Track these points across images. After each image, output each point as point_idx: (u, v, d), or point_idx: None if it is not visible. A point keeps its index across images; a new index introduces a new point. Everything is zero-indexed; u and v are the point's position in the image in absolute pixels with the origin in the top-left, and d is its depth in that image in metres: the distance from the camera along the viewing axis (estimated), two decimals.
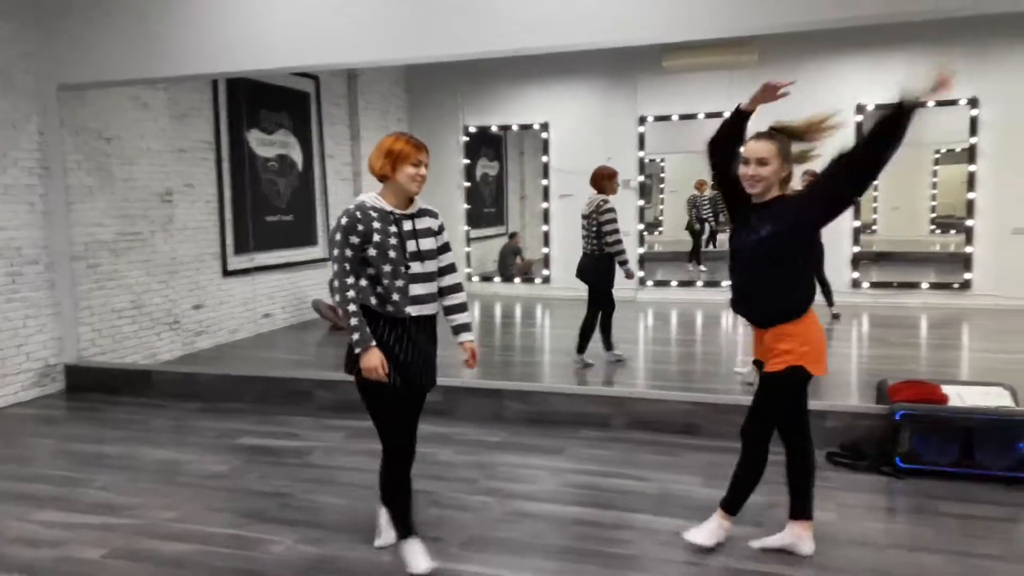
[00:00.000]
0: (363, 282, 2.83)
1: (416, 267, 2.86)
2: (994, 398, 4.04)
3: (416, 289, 2.87)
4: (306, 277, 8.33)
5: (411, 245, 2.86)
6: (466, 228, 10.22)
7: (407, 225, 2.88)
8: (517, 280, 10.27)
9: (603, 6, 4.77)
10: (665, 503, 3.66)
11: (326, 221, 8.67)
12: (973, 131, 8.35)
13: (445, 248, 3.03)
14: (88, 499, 3.89)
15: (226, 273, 7.25)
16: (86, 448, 4.70)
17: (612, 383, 5.63)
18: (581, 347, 5.98)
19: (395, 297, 2.83)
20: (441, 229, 3.03)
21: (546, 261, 9.97)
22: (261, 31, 5.34)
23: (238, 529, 3.50)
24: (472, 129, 10.09)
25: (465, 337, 3.10)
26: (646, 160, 9.56)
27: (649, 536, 3.31)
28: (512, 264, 10.63)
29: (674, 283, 9.63)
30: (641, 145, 9.44)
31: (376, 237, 2.80)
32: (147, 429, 5.05)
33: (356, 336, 2.80)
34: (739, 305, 3.05)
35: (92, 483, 4.10)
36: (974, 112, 8.30)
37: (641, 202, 9.58)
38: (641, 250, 9.49)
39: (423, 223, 2.94)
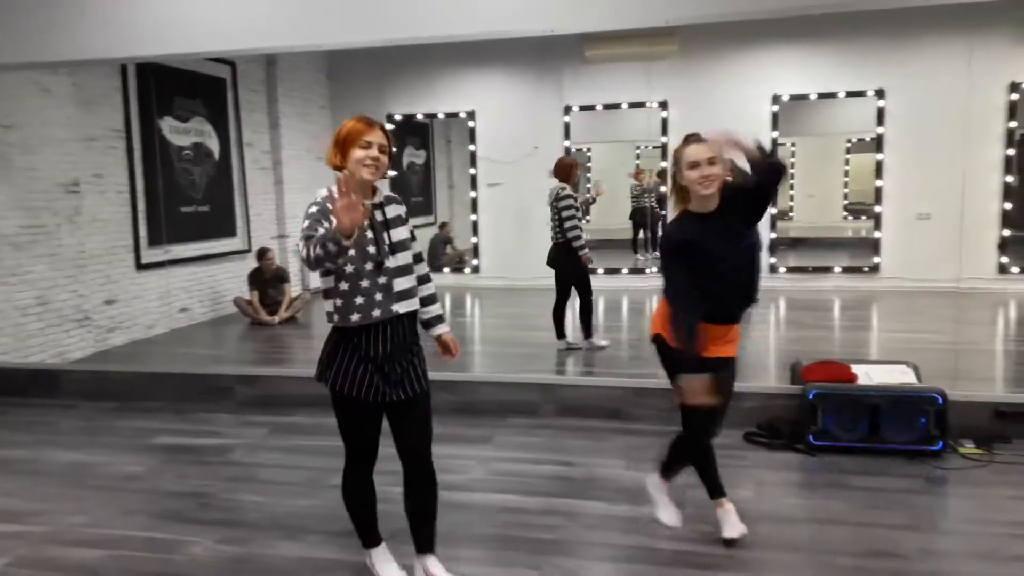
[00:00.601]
0: (339, 301, 2.56)
1: (395, 260, 2.62)
2: (899, 376, 4.23)
3: (400, 284, 2.63)
4: (225, 269, 8.09)
5: (386, 237, 2.61)
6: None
7: (378, 215, 2.62)
8: (447, 270, 10.22)
9: None
10: (591, 487, 3.71)
11: (245, 212, 8.43)
12: (880, 121, 8.71)
13: (412, 237, 2.78)
14: None
15: (140, 266, 6.97)
16: None
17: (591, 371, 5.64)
18: (559, 333, 6.13)
19: (379, 297, 2.57)
20: (407, 217, 2.77)
21: (476, 251, 9.94)
22: (173, 14, 5.12)
23: (154, 532, 3.38)
24: (397, 117, 9.97)
25: (441, 329, 2.89)
26: (572, 149, 9.63)
27: (575, 520, 3.35)
28: (443, 254, 10.57)
29: (600, 271, 9.74)
30: (567, 134, 9.50)
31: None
32: (55, 431, 4.83)
33: (315, 245, 2.38)
34: (733, 309, 3.05)
35: None
36: (881, 103, 8.65)
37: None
38: None
39: (392, 211, 2.68)
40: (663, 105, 9.18)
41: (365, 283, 2.57)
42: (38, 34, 5.23)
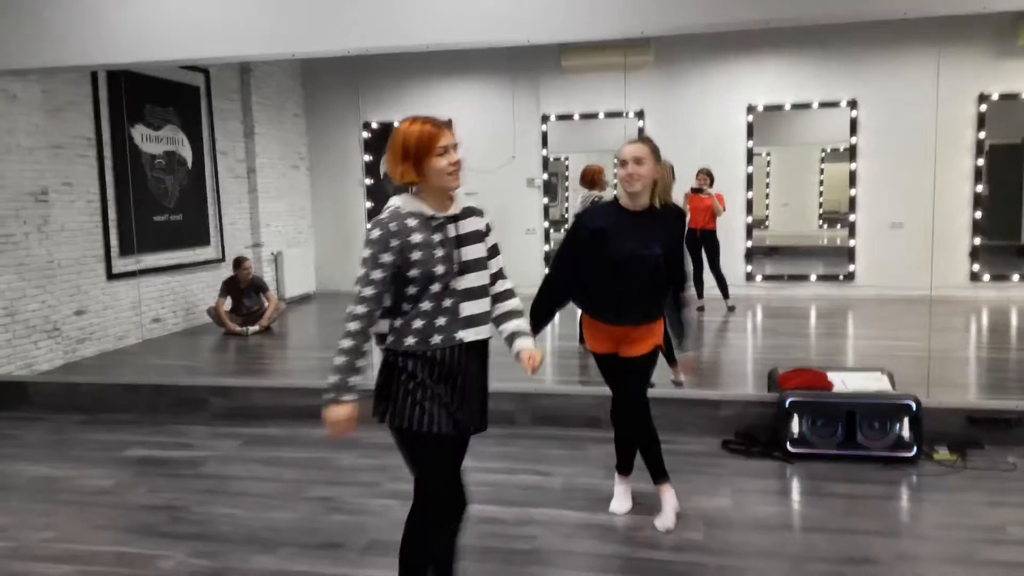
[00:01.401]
0: (397, 322, 2.27)
1: (465, 282, 2.30)
2: (874, 383, 4.26)
3: (468, 308, 2.30)
4: (198, 279, 7.99)
5: (457, 255, 2.30)
6: (369, 227, 10.03)
7: (451, 231, 2.31)
8: None
9: (503, 5, 4.77)
10: (569, 496, 3.69)
11: (219, 221, 8.34)
12: (854, 131, 8.82)
13: (494, 251, 2.44)
14: None
15: (111, 276, 6.85)
16: None
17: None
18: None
19: (441, 322, 2.26)
20: (489, 229, 2.43)
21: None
22: (145, 21, 5.07)
23: (124, 547, 3.31)
24: (374, 125, 9.93)
25: (522, 344, 2.42)
26: (550, 158, 9.65)
27: (552, 529, 3.33)
28: None
29: None
30: (544, 143, 9.52)
31: (417, 254, 2.23)
32: (22, 444, 4.72)
33: (334, 379, 2.26)
34: (619, 313, 3.19)
35: None
36: (854, 113, 8.77)
37: (546, 200, 9.66)
38: (547, 247, 9.57)
39: (468, 226, 2.35)
40: (639, 115, 9.23)
41: (426, 305, 2.26)
42: (6, 41, 5.14)
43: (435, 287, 2.26)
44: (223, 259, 8.26)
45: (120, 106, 6.91)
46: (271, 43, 5.23)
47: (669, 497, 3.33)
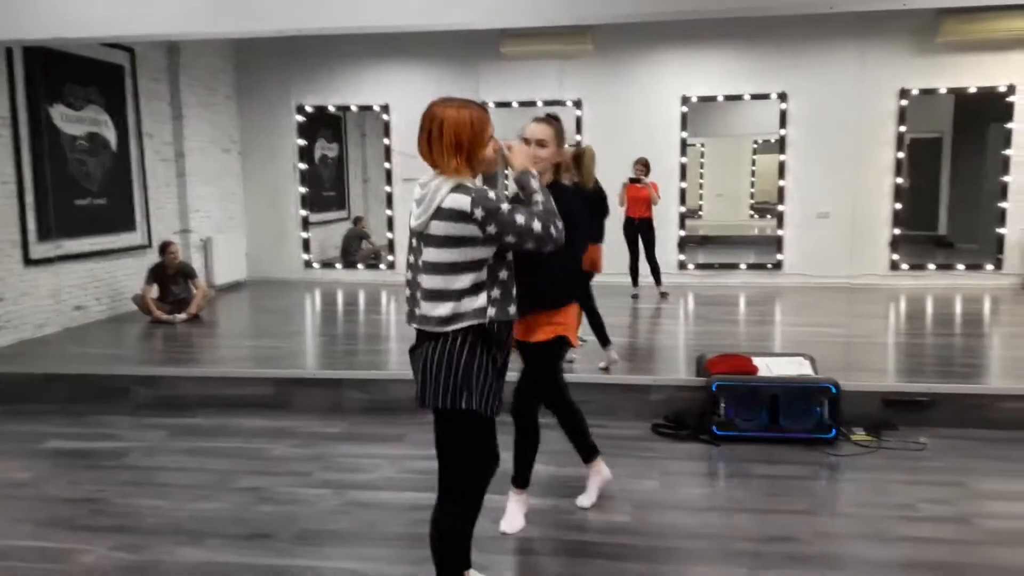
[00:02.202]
0: (496, 291, 2.27)
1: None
2: (796, 367, 4.42)
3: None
4: (124, 266, 7.72)
5: None
6: (304, 212, 9.87)
7: None
8: (360, 266, 10.06)
9: None
10: (504, 482, 3.68)
11: (145, 205, 8.06)
12: (783, 123, 9.06)
13: None
14: None
15: (28, 262, 6.56)
16: None
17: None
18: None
19: (514, 293, 2.35)
20: None
21: (391, 246, 9.81)
22: None
23: (41, 541, 3.21)
24: (308, 108, 9.73)
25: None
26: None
27: (485, 515, 3.29)
28: (358, 250, 10.38)
29: None
30: None
31: None
32: None
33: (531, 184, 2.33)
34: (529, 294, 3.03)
35: None
36: (783, 105, 9.00)
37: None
38: None
39: None
40: (577, 104, 9.28)
41: (504, 275, 2.32)
42: None
43: (510, 257, 2.33)
44: (149, 245, 8.00)
45: (38, 84, 6.60)
46: (199, 21, 5.08)
47: (596, 476, 3.39)
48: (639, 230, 8.16)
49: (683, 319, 7.53)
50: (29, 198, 6.57)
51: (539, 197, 2.28)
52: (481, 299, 2.26)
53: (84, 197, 7.23)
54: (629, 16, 4.99)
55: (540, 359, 3.13)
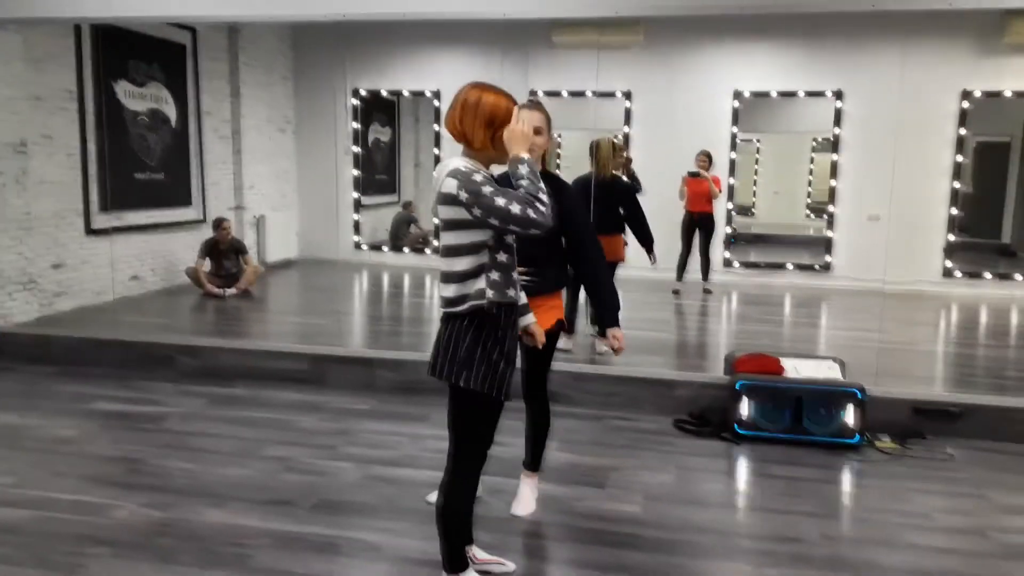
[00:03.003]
0: (495, 274, 2.36)
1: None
2: (825, 370, 4.37)
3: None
4: (179, 239, 8.01)
5: None
6: (356, 195, 10.07)
7: None
8: (407, 250, 10.22)
9: None
10: (518, 466, 3.78)
11: (201, 181, 8.35)
12: (838, 122, 8.87)
13: None
14: None
15: (90, 231, 6.88)
16: None
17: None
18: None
19: (513, 276, 2.43)
20: None
21: (437, 232, 9.93)
22: None
23: (81, 494, 3.40)
24: (363, 92, 9.91)
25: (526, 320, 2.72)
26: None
27: (499, 497, 3.42)
28: (406, 234, 10.55)
29: None
30: None
31: None
32: None
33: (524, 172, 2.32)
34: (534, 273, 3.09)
35: None
36: (839, 104, 8.81)
37: None
38: None
39: None
40: (627, 95, 9.24)
41: (503, 257, 2.40)
42: None
43: (510, 239, 2.41)
44: (204, 220, 8.28)
45: (105, 60, 6.89)
46: (256, 5, 5.23)
47: (534, 487, 3.37)
48: (699, 224, 8.10)
49: (723, 317, 7.48)
50: (92, 170, 6.88)
51: (524, 182, 2.30)
52: (481, 281, 2.35)
53: (144, 171, 7.53)
54: (677, 9, 4.97)
55: (548, 343, 3.15)
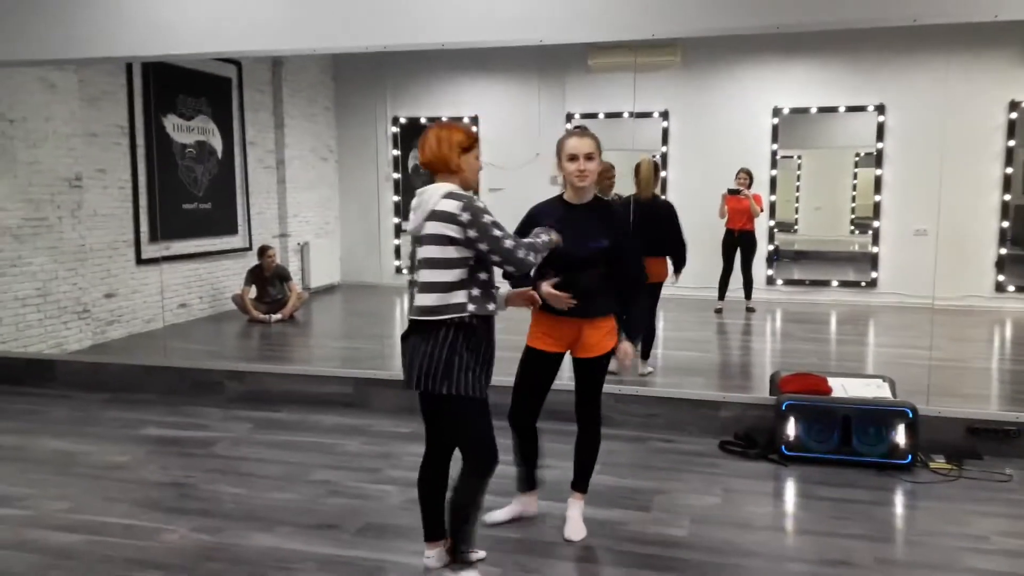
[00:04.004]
0: (476, 290, 2.63)
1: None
2: (874, 390, 4.27)
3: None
4: (225, 267, 8.20)
5: None
6: (396, 220, 10.21)
7: None
8: None
9: (529, 4, 4.84)
10: (561, 489, 3.75)
11: (247, 210, 8.55)
12: (880, 136, 8.74)
13: None
14: None
15: (140, 261, 7.09)
16: None
17: None
18: None
19: (491, 291, 2.72)
20: None
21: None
22: (178, 15, 5.23)
23: (132, 519, 3.47)
24: (402, 120, 10.07)
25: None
26: None
27: (542, 521, 3.41)
28: None
29: None
30: None
31: None
32: (46, 420, 4.93)
33: (545, 239, 2.85)
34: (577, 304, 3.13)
35: None
36: (881, 118, 8.68)
37: None
38: None
39: None
40: (664, 115, 9.23)
41: (483, 275, 2.68)
42: (44, 32, 5.36)
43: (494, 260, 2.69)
44: (250, 248, 8.46)
45: (153, 96, 7.13)
46: (297, 38, 5.36)
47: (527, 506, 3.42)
48: (739, 243, 8.03)
49: (767, 335, 7.38)
50: (143, 202, 7.10)
51: (538, 240, 2.77)
52: (461, 295, 2.61)
53: (191, 201, 7.74)
54: (714, 30, 4.97)
55: (602, 373, 3.22)
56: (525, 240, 2.73)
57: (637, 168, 5.64)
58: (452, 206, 2.56)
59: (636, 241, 3.26)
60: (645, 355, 5.56)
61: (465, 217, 2.55)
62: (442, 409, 2.71)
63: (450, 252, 2.59)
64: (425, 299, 2.62)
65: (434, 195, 2.61)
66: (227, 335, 7.26)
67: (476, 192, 2.76)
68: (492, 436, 2.73)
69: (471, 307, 2.60)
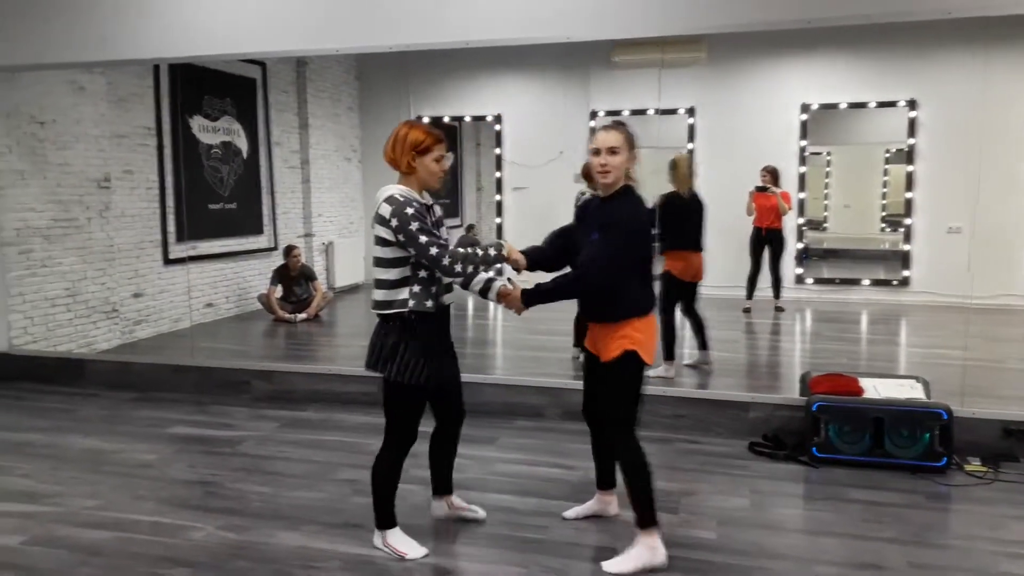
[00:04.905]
0: (416, 287, 2.85)
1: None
2: (907, 390, 4.18)
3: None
4: (251, 267, 8.26)
5: (440, 233, 2.96)
6: (396, 204, 10.19)
7: (435, 214, 2.99)
8: None
9: (556, 2, 4.81)
10: (585, 490, 3.72)
11: (272, 210, 8.60)
12: (912, 132, 8.58)
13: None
14: (9, 487, 3.85)
15: (167, 261, 7.16)
16: (10, 437, 4.63)
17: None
18: (577, 341, 5.75)
19: (436, 289, 2.89)
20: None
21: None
22: (204, 17, 5.27)
23: (160, 516, 3.49)
24: (425, 119, 10.07)
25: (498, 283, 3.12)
26: None
27: (564, 522, 3.38)
28: None
29: None
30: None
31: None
32: (77, 418, 4.99)
33: (486, 277, 3.04)
34: (583, 304, 3.08)
35: (14, 471, 4.06)
36: (912, 114, 8.52)
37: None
38: None
39: (439, 211, 3.05)
40: (690, 111, 9.15)
41: (424, 273, 2.87)
42: (72, 36, 5.42)
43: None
44: (275, 247, 8.52)
45: (181, 98, 7.20)
46: (324, 38, 5.38)
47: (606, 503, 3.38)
48: (767, 241, 7.93)
49: (797, 335, 7.28)
50: (170, 202, 7.17)
51: (471, 253, 2.86)
52: (404, 292, 2.85)
53: (217, 202, 7.81)
54: (741, 25, 4.90)
55: (616, 379, 2.96)
56: (460, 251, 2.83)
57: (675, 164, 5.59)
58: (385, 211, 2.79)
59: (607, 248, 2.90)
60: (703, 346, 5.60)
61: (394, 223, 2.77)
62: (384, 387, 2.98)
63: (388, 252, 2.83)
64: (375, 294, 2.90)
65: (379, 198, 2.86)
66: (253, 334, 7.31)
67: (431, 191, 2.97)
68: (415, 421, 3.03)
69: (411, 303, 2.84)
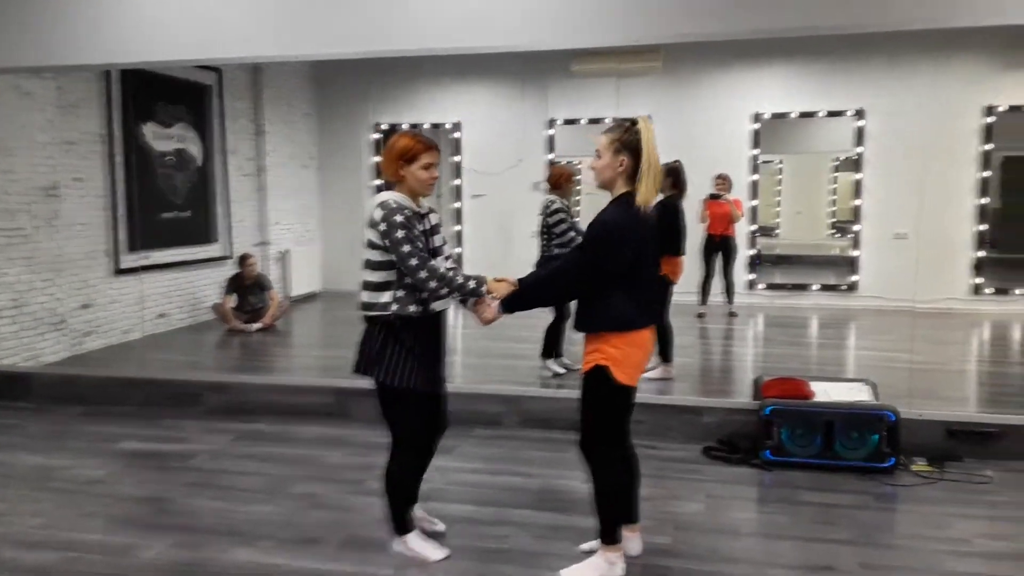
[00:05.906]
0: (400, 292, 2.88)
1: (436, 263, 2.93)
2: (855, 393, 4.29)
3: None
4: (205, 276, 8.12)
5: (434, 241, 3.00)
6: (387, 212, 10.12)
7: (429, 222, 3.02)
8: None
9: (512, 10, 4.81)
10: (545, 498, 3.75)
11: (227, 218, 8.47)
12: (859, 141, 8.81)
13: (444, 241, 3.12)
14: None
15: (118, 271, 6.99)
16: None
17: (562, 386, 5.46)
18: (546, 352, 5.69)
19: (424, 295, 2.91)
20: (440, 224, 3.13)
21: (459, 261, 9.99)
22: (158, 21, 5.15)
23: (109, 535, 3.41)
24: (384, 126, 10.03)
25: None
26: (557, 162, 9.69)
27: (526, 530, 3.39)
28: None
29: None
30: (551, 148, 9.58)
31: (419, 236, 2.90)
32: (22, 435, 4.85)
33: (471, 286, 2.91)
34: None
35: None
36: (860, 123, 8.76)
37: None
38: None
39: (435, 219, 3.07)
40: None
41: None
42: (20, 38, 5.27)
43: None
44: (230, 256, 8.38)
45: (132, 104, 7.05)
46: (281, 45, 5.31)
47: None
48: (720, 248, 8.06)
49: (749, 340, 7.40)
50: (121, 210, 7.01)
51: (451, 269, 2.95)
52: (386, 295, 2.89)
53: (170, 210, 7.66)
54: (694, 35, 4.97)
55: (585, 393, 2.91)
56: (440, 268, 2.86)
57: (676, 171, 5.66)
58: (377, 215, 2.86)
59: (573, 254, 2.99)
60: (665, 357, 5.46)
61: (383, 227, 2.83)
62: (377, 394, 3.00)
63: (376, 255, 2.88)
64: (361, 296, 2.94)
65: (373, 203, 2.92)
66: (207, 345, 7.18)
67: (419, 198, 2.97)
68: (419, 423, 3.00)
69: (394, 307, 2.88)
